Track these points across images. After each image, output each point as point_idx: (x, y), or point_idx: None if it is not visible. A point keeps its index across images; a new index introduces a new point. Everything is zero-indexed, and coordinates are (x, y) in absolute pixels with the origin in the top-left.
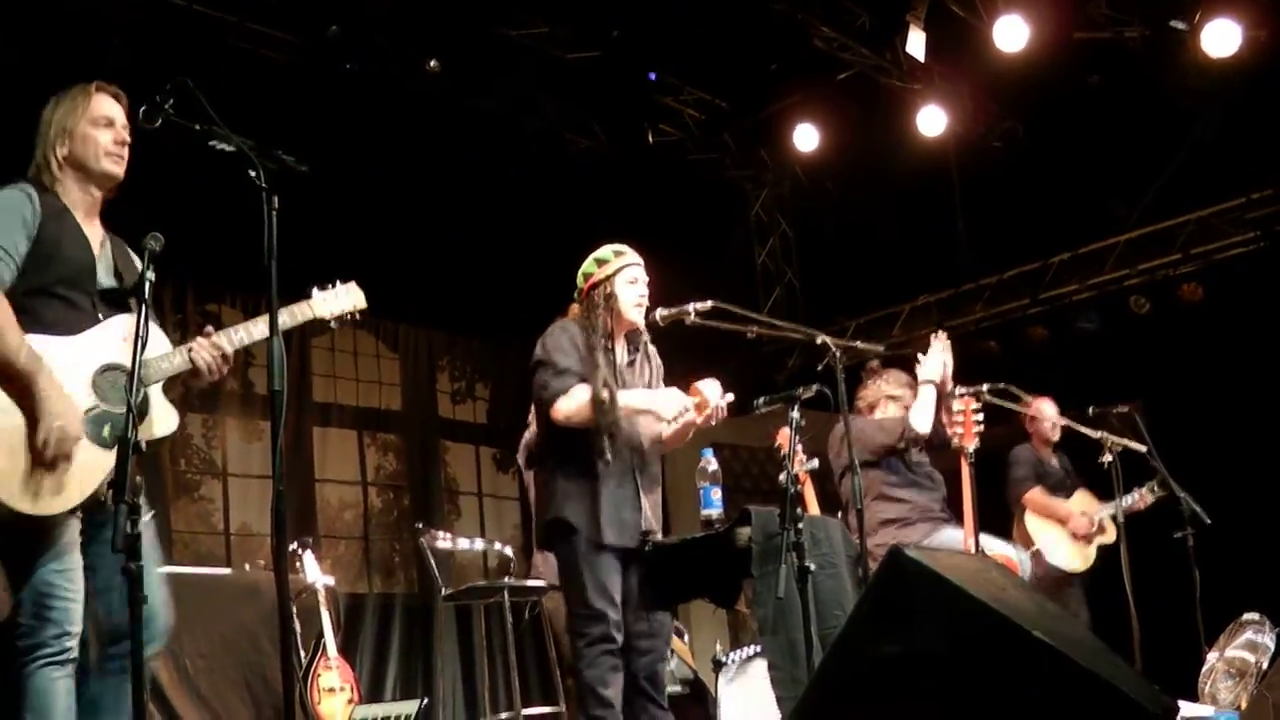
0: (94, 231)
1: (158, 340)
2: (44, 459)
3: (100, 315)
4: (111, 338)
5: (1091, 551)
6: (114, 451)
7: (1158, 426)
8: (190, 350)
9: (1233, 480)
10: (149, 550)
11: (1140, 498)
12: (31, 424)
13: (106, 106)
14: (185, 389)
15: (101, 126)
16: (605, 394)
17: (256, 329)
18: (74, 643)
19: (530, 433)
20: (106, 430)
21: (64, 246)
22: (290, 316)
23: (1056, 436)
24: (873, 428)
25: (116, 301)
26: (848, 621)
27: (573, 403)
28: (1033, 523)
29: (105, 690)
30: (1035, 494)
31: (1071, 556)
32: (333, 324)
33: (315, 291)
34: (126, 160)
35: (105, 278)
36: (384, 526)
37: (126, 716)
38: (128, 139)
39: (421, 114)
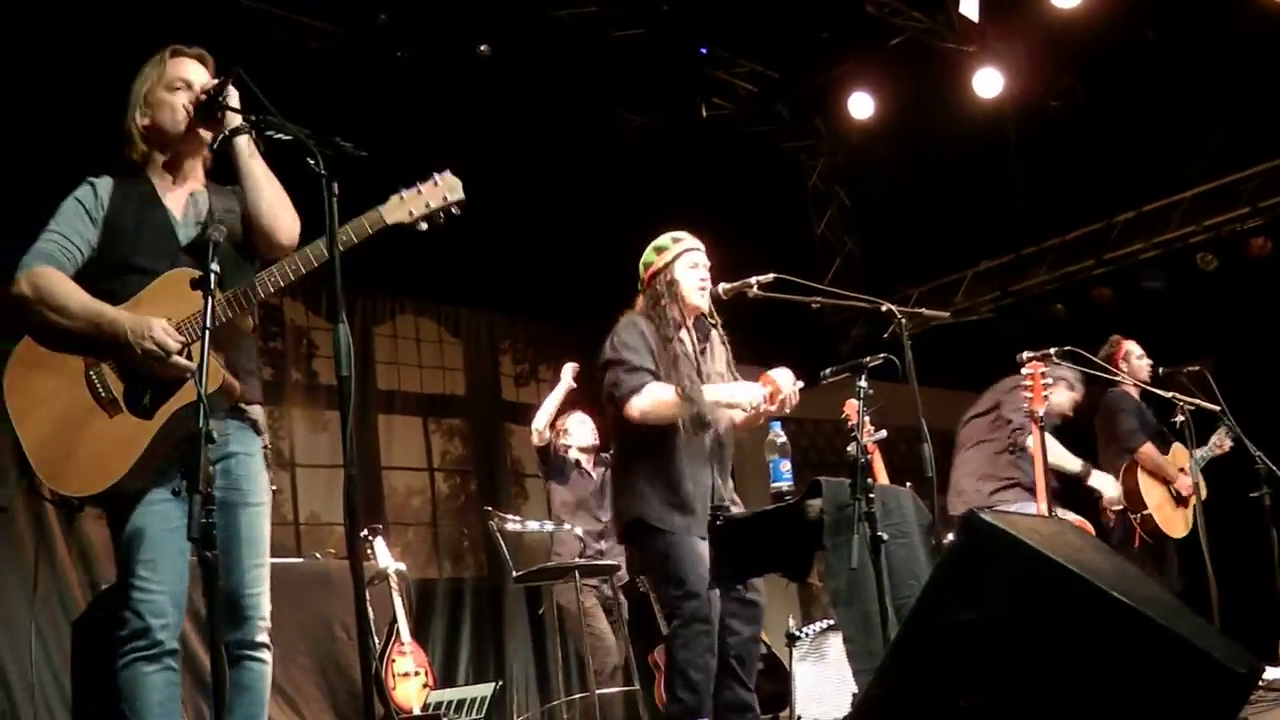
0: (180, 196)
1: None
2: (162, 372)
3: None
4: (165, 289)
5: (1190, 515)
6: (152, 422)
7: (1229, 384)
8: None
9: None
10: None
11: (1220, 444)
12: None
13: (183, 69)
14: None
15: (179, 90)
16: (690, 387)
17: (318, 252)
18: (166, 634)
19: (540, 444)
20: (147, 398)
21: (141, 228)
22: (358, 230)
23: (1148, 376)
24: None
25: (204, 250)
26: (923, 589)
27: (648, 400)
28: (1144, 481)
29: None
30: (1150, 449)
31: (1174, 521)
32: (421, 225)
33: (399, 192)
34: None
35: (191, 231)
36: (451, 511)
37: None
38: None
39: (473, 98)
